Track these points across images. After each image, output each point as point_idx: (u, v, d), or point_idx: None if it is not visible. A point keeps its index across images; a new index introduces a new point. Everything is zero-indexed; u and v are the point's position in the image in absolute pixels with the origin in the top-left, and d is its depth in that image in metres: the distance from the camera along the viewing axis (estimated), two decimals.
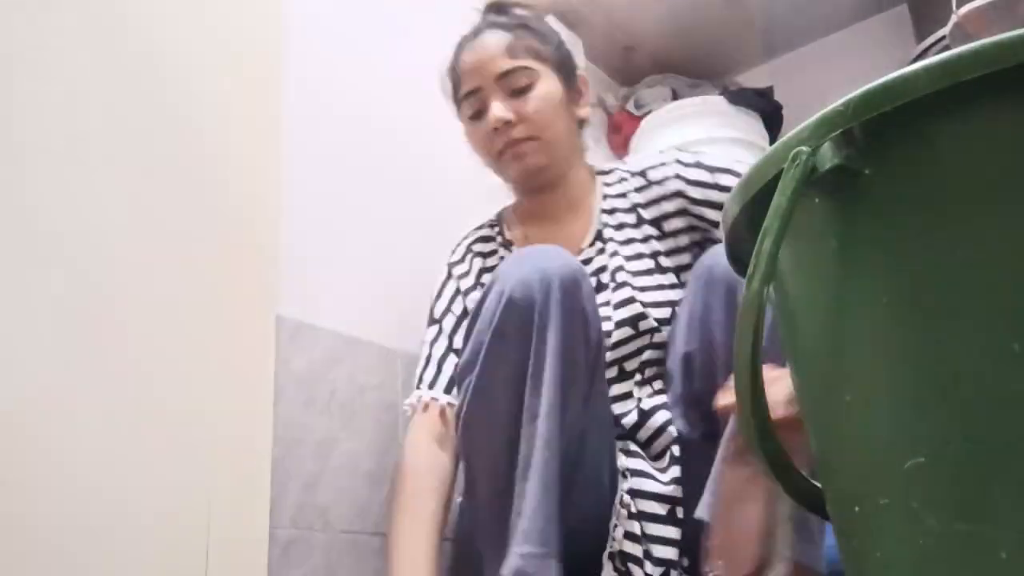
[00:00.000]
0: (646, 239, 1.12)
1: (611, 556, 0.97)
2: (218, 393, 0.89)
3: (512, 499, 0.86)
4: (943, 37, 1.55)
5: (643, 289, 1.08)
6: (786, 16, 2.13)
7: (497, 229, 1.25)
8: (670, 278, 1.10)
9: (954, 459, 0.47)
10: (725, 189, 1.06)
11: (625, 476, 1.00)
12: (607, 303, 1.08)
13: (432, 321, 1.16)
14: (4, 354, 0.73)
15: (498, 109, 1.10)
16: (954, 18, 1.29)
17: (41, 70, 0.82)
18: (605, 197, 1.17)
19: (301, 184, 1.22)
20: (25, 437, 0.73)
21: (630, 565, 0.97)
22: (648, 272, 1.10)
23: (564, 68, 1.18)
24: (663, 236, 1.12)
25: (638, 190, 1.15)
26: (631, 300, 1.07)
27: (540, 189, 1.17)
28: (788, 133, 0.54)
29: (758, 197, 0.57)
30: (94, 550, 0.75)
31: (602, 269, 1.12)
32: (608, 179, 1.20)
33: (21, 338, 0.75)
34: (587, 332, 0.93)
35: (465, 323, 1.06)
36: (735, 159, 1.17)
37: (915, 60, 1.21)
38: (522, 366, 0.89)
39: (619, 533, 0.98)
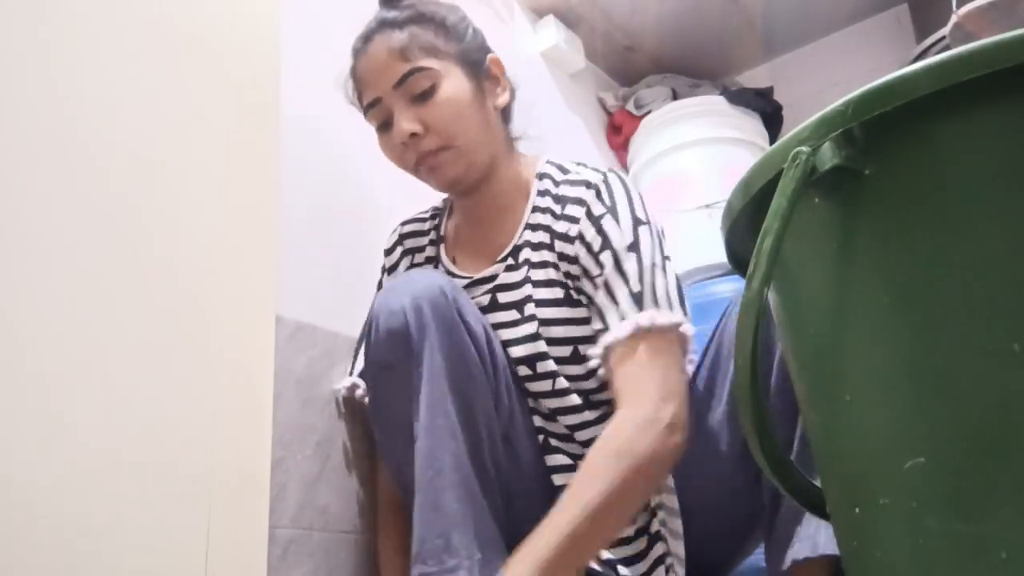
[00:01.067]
0: (557, 265, 1.01)
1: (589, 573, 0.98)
2: (218, 393, 0.89)
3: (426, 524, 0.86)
4: (943, 37, 1.55)
5: (549, 322, 1.00)
6: (786, 16, 2.13)
7: (437, 221, 1.17)
8: (579, 312, 1.00)
9: (954, 459, 0.47)
10: (600, 265, 0.95)
11: (556, 472, 1.00)
12: (510, 324, 1.02)
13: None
14: (4, 354, 0.73)
15: (403, 121, 0.98)
16: (954, 18, 1.29)
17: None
18: (535, 209, 1.05)
19: (301, 183, 1.21)
20: (23, 437, 0.73)
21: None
22: (557, 302, 1.00)
23: (470, 59, 1.03)
24: (569, 276, 1.01)
25: (555, 216, 1.02)
26: (535, 336, 1.00)
27: (465, 193, 1.06)
28: (788, 133, 0.54)
29: (758, 197, 0.57)
30: (94, 550, 0.75)
31: (506, 287, 1.04)
32: (543, 185, 1.06)
33: (20, 336, 0.75)
34: (475, 341, 0.93)
35: None
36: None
37: (915, 60, 1.22)
38: (405, 391, 0.89)
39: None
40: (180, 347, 0.87)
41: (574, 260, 0.99)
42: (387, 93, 1.00)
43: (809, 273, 0.56)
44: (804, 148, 0.51)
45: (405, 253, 1.16)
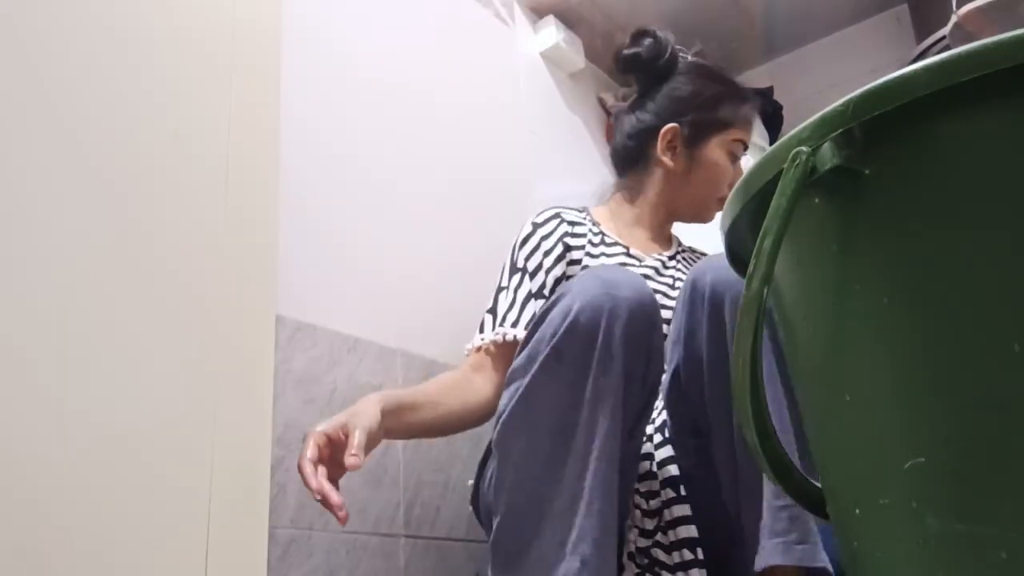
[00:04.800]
0: None
1: (631, 556, 0.98)
2: (218, 393, 0.89)
3: (546, 510, 0.86)
4: (943, 37, 1.55)
5: None
6: (786, 16, 2.13)
7: (585, 215, 1.32)
8: None
9: (954, 459, 0.47)
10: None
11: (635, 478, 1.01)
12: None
13: (515, 269, 1.20)
14: (4, 354, 0.73)
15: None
16: (954, 18, 1.29)
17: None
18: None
19: (300, 184, 1.21)
20: (23, 437, 0.73)
21: (653, 554, 0.98)
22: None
23: None
24: None
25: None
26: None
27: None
28: (788, 133, 0.54)
29: (758, 197, 0.57)
30: (93, 550, 0.75)
31: (674, 283, 1.25)
32: None
33: (21, 337, 0.75)
34: (647, 371, 0.92)
35: (544, 275, 1.19)
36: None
37: (915, 60, 1.21)
38: (574, 389, 0.88)
39: (633, 534, 0.99)
40: (180, 347, 0.87)
41: None
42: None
43: (809, 273, 0.56)
44: (804, 148, 0.51)
45: (563, 223, 1.27)
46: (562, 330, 0.89)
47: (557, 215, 1.29)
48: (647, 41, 1.35)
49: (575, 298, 0.90)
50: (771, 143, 1.71)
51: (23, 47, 0.81)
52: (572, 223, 1.28)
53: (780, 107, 2.06)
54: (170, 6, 0.97)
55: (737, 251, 0.67)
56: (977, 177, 0.47)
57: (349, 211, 1.31)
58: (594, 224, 1.31)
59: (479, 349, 1.13)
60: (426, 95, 1.55)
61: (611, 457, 0.86)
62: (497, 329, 1.13)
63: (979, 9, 1.25)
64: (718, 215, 1.23)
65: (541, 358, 0.91)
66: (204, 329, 0.89)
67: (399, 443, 1.23)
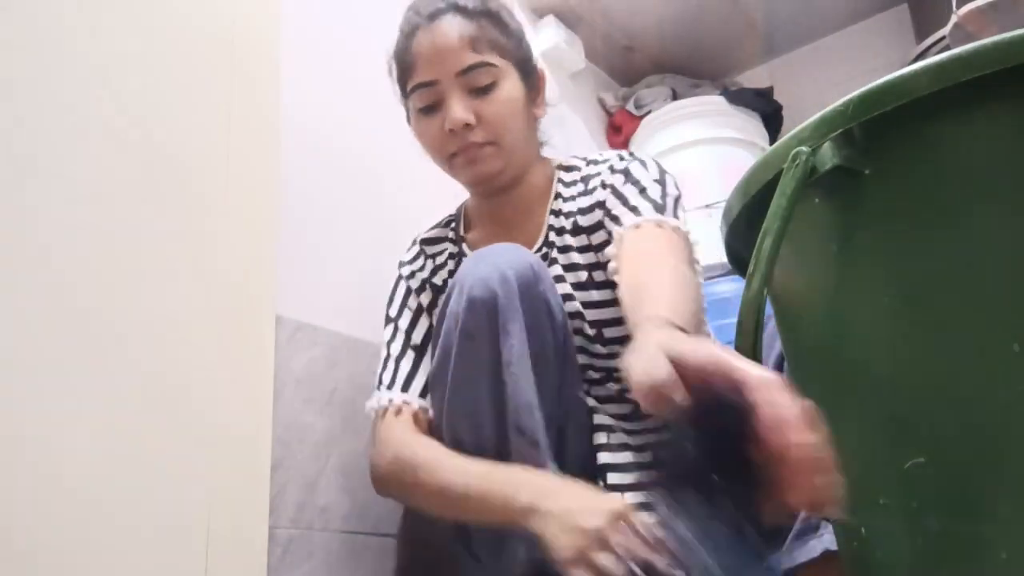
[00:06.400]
0: (582, 249, 1.04)
1: None
2: (218, 393, 0.89)
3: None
4: (943, 37, 1.55)
5: (584, 305, 1.03)
6: (786, 16, 2.13)
7: (453, 227, 1.18)
8: (605, 294, 1.02)
9: (954, 459, 0.47)
10: (622, 196, 0.98)
11: (600, 449, 1.00)
12: None
13: (388, 321, 1.11)
14: (4, 354, 0.73)
15: (458, 110, 1.00)
16: (954, 18, 1.29)
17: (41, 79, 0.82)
18: (556, 196, 1.09)
19: (300, 184, 1.21)
20: (25, 437, 0.73)
21: None
22: (582, 286, 1.03)
23: (525, 65, 1.08)
24: (593, 248, 1.03)
25: (580, 194, 1.05)
26: (576, 315, 1.02)
27: (493, 193, 1.08)
28: (788, 133, 0.54)
29: (758, 197, 0.57)
30: (94, 549, 0.75)
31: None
32: (566, 177, 1.11)
33: (22, 337, 0.75)
34: (552, 320, 0.93)
35: (420, 319, 1.08)
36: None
37: (915, 60, 1.21)
38: (494, 361, 0.88)
39: None
40: (180, 347, 0.87)
41: (597, 226, 1.01)
42: (447, 78, 1.00)
43: (809, 273, 0.56)
44: (804, 148, 0.51)
45: (427, 258, 1.15)
46: (463, 311, 0.90)
47: (420, 250, 1.16)
48: None
49: (465, 281, 0.91)
50: (771, 143, 1.71)
51: (27, 50, 0.81)
52: (434, 255, 1.15)
53: (780, 107, 2.06)
54: (173, 10, 0.97)
55: (737, 251, 0.67)
56: (977, 177, 0.47)
57: (349, 211, 1.31)
58: (458, 235, 1.16)
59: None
60: None
61: (530, 405, 0.87)
62: (390, 394, 1.03)
63: (979, 9, 1.25)
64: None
65: (456, 347, 0.91)
66: (204, 329, 0.89)
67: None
